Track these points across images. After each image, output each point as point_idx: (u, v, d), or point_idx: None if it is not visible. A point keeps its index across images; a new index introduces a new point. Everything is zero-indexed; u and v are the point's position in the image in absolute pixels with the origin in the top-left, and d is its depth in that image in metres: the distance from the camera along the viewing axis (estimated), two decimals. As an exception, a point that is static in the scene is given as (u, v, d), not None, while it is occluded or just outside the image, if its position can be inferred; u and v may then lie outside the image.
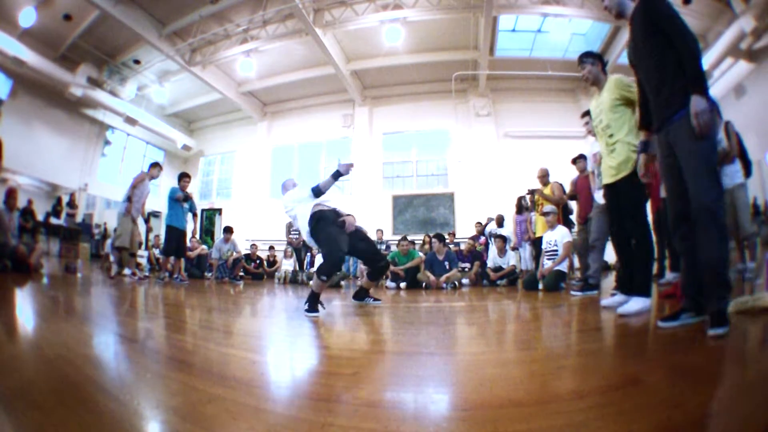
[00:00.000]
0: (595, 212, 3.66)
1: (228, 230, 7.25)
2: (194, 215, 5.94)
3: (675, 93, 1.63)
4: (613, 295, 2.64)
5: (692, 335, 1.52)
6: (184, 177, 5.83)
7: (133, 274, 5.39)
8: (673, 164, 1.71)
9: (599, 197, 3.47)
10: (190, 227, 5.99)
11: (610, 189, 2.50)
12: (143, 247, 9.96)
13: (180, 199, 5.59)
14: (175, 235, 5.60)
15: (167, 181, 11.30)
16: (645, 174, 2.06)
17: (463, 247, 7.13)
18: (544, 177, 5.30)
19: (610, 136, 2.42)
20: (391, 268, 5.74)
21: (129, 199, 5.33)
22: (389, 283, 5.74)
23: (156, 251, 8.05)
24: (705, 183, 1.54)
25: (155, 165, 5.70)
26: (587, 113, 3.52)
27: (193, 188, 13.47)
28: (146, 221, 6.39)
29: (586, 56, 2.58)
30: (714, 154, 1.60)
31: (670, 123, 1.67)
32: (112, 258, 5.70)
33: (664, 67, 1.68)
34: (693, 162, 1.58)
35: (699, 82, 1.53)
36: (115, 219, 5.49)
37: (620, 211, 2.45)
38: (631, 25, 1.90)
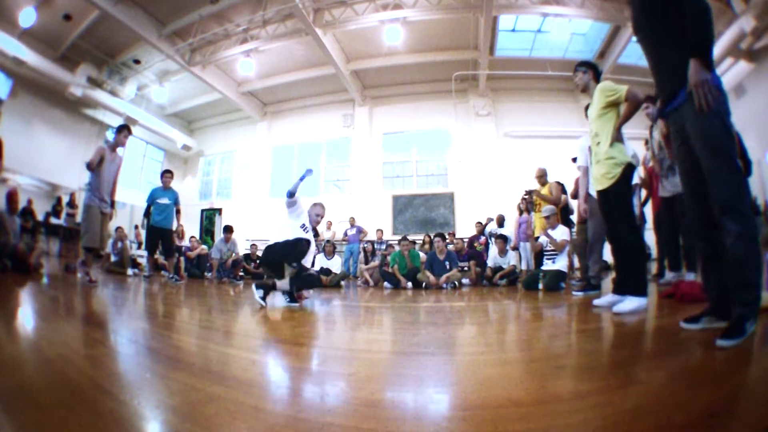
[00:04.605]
0: (591, 212, 3.69)
1: (228, 229, 7.22)
2: (177, 211, 5.64)
3: (677, 66, 1.46)
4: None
5: (693, 336, 1.52)
6: (165, 174, 5.63)
7: (86, 274, 4.14)
8: (685, 156, 1.55)
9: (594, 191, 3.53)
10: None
11: (601, 195, 2.61)
12: (142, 246, 9.99)
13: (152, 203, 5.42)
14: (158, 234, 5.48)
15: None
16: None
17: (451, 247, 7.12)
18: (542, 177, 5.30)
19: (598, 144, 2.54)
20: (390, 270, 5.75)
21: (90, 165, 4.10)
22: (387, 285, 5.77)
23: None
24: (720, 176, 1.37)
25: (121, 129, 4.45)
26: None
27: (193, 188, 13.59)
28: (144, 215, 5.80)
29: (580, 65, 2.74)
30: (729, 138, 1.40)
31: (676, 102, 1.53)
32: (79, 263, 4.39)
33: (665, 39, 1.57)
34: (706, 147, 1.40)
35: (703, 46, 1.36)
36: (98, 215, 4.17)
37: (611, 215, 2.55)
38: None
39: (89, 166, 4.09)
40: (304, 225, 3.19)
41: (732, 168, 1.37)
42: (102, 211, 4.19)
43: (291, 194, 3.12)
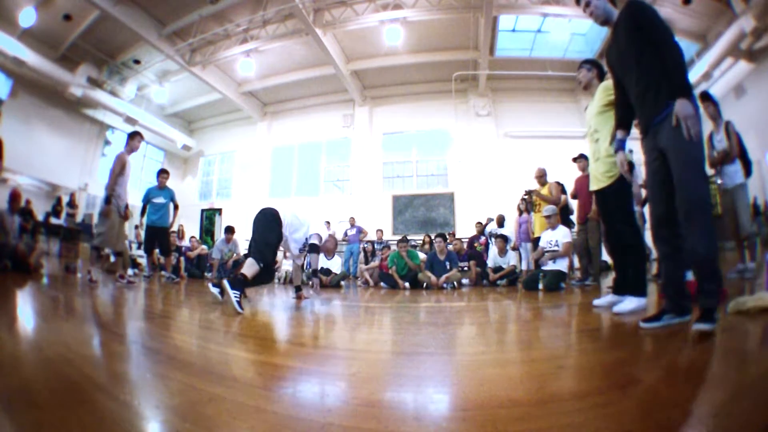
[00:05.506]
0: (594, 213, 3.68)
1: (229, 230, 7.20)
2: (176, 207, 5.69)
3: (660, 98, 1.66)
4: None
5: (692, 336, 1.52)
6: (161, 173, 5.68)
7: (121, 276, 4.57)
8: (658, 169, 1.72)
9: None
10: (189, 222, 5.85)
11: (598, 194, 2.61)
12: (142, 247, 9.99)
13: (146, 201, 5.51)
14: (154, 233, 5.52)
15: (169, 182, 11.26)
16: (628, 171, 2.10)
17: (451, 247, 7.11)
18: (541, 177, 5.30)
19: (596, 141, 2.54)
20: (390, 271, 5.75)
21: (109, 198, 4.27)
22: (383, 284, 5.78)
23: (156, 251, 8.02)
24: (694, 179, 1.57)
25: (134, 135, 4.66)
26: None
27: (193, 188, 13.58)
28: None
29: (586, 62, 2.75)
30: (701, 154, 1.62)
31: (655, 125, 1.69)
32: (90, 263, 4.56)
33: (649, 73, 1.70)
34: (682, 159, 1.60)
35: (686, 90, 1.57)
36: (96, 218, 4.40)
37: (610, 215, 2.55)
38: (614, 30, 1.94)
39: (112, 180, 4.26)
40: (307, 239, 3.42)
41: (701, 176, 1.59)
42: (122, 214, 4.43)
43: (316, 250, 3.40)
